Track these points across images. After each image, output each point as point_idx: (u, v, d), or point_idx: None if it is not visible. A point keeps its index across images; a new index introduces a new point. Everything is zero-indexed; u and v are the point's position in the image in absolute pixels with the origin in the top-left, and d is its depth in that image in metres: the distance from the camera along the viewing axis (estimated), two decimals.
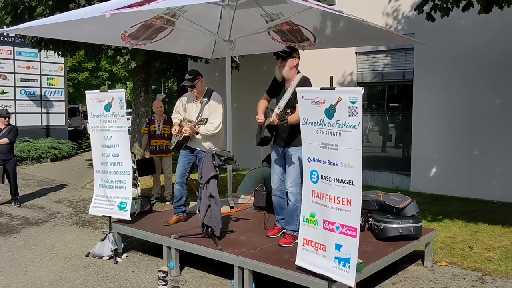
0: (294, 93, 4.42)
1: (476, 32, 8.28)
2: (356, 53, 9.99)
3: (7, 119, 8.10)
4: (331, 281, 3.59)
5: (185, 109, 5.65)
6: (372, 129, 10.23)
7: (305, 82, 4.55)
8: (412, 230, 4.72)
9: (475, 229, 6.30)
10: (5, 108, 8.47)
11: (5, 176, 7.90)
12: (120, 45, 7.03)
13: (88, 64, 24.18)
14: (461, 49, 8.54)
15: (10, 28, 6.16)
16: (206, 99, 5.47)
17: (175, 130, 5.46)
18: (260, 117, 4.71)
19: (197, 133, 5.37)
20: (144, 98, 10.52)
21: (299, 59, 4.70)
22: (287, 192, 4.65)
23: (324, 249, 3.61)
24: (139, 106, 10.51)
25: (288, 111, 4.39)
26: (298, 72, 4.71)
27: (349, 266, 3.42)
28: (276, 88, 4.82)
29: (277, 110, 4.58)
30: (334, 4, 9.93)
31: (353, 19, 5.23)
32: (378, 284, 4.49)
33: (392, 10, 9.46)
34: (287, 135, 4.62)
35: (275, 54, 4.70)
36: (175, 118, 5.66)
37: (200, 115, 5.44)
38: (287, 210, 4.69)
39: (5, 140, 7.93)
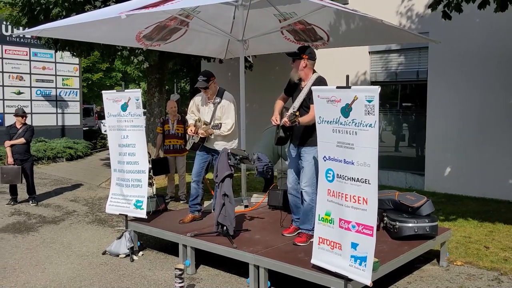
0: (309, 94, 4.45)
1: (491, 31, 8.21)
2: (369, 52, 9.96)
3: (23, 118, 8.22)
4: (347, 279, 3.60)
5: (199, 109, 5.70)
6: (386, 128, 10.19)
7: (319, 82, 4.55)
8: (427, 230, 4.70)
9: (491, 228, 6.25)
10: (21, 107, 8.59)
11: (22, 176, 8.02)
12: (135, 46, 7.10)
13: (102, 65, 24.38)
14: (476, 48, 8.47)
15: (27, 30, 6.26)
16: (218, 99, 5.51)
17: (191, 131, 5.52)
18: (274, 119, 4.73)
19: (211, 134, 5.42)
20: (159, 98, 10.61)
21: (312, 60, 4.68)
22: (301, 191, 4.67)
23: (340, 247, 3.62)
24: (154, 106, 10.60)
25: (297, 113, 4.41)
26: (314, 72, 4.72)
27: (365, 265, 3.43)
28: (292, 87, 4.84)
29: (291, 111, 4.62)
30: (347, 3, 9.91)
31: (366, 18, 5.23)
32: (394, 283, 4.49)
33: (405, 10, 9.41)
34: (302, 134, 4.64)
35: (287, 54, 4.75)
36: (190, 118, 5.72)
37: (214, 116, 5.49)
38: (302, 210, 4.71)
39: (21, 140, 8.05)
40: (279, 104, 4.92)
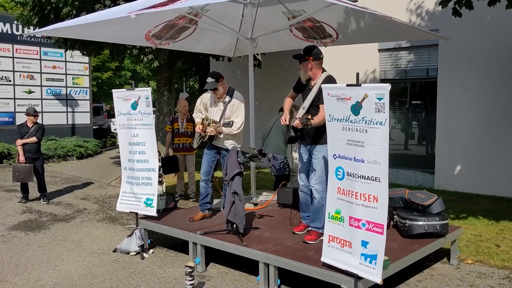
0: (318, 93, 4.46)
1: (503, 28, 8.13)
2: (379, 50, 9.92)
3: (35, 117, 8.29)
4: (357, 277, 3.59)
5: (206, 108, 5.71)
6: (395, 126, 10.15)
7: (328, 81, 4.54)
8: (438, 228, 4.68)
9: (502, 227, 6.21)
10: (32, 106, 8.67)
11: (33, 174, 8.09)
12: (144, 45, 7.13)
13: (112, 64, 24.53)
14: (487, 45, 8.39)
15: (38, 30, 6.31)
16: (228, 99, 5.52)
17: (199, 129, 5.53)
18: (284, 119, 4.74)
19: (220, 133, 5.43)
20: (168, 96, 10.64)
21: (318, 60, 4.66)
22: (311, 189, 4.67)
23: (350, 246, 3.62)
24: (163, 104, 10.63)
25: (309, 116, 4.41)
26: (324, 70, 4.71)
27: (375, 263, 3.42)
28: (302, 85, 4.84)
29: (301, 111, 4.62)
30: (357, 1, 9.87)
31: (376, 15, 5.20)
32: (404, 282, 4.47)
33: (415, 7, 9.35)
34: (313, 133, 4.64)
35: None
36: (197, 117, 5.73)
37: (223, 115, 5.49)
38: (312, 207, 4.71)
39: (33, 139, 8.12)
40: (288, 102, 4.92)
